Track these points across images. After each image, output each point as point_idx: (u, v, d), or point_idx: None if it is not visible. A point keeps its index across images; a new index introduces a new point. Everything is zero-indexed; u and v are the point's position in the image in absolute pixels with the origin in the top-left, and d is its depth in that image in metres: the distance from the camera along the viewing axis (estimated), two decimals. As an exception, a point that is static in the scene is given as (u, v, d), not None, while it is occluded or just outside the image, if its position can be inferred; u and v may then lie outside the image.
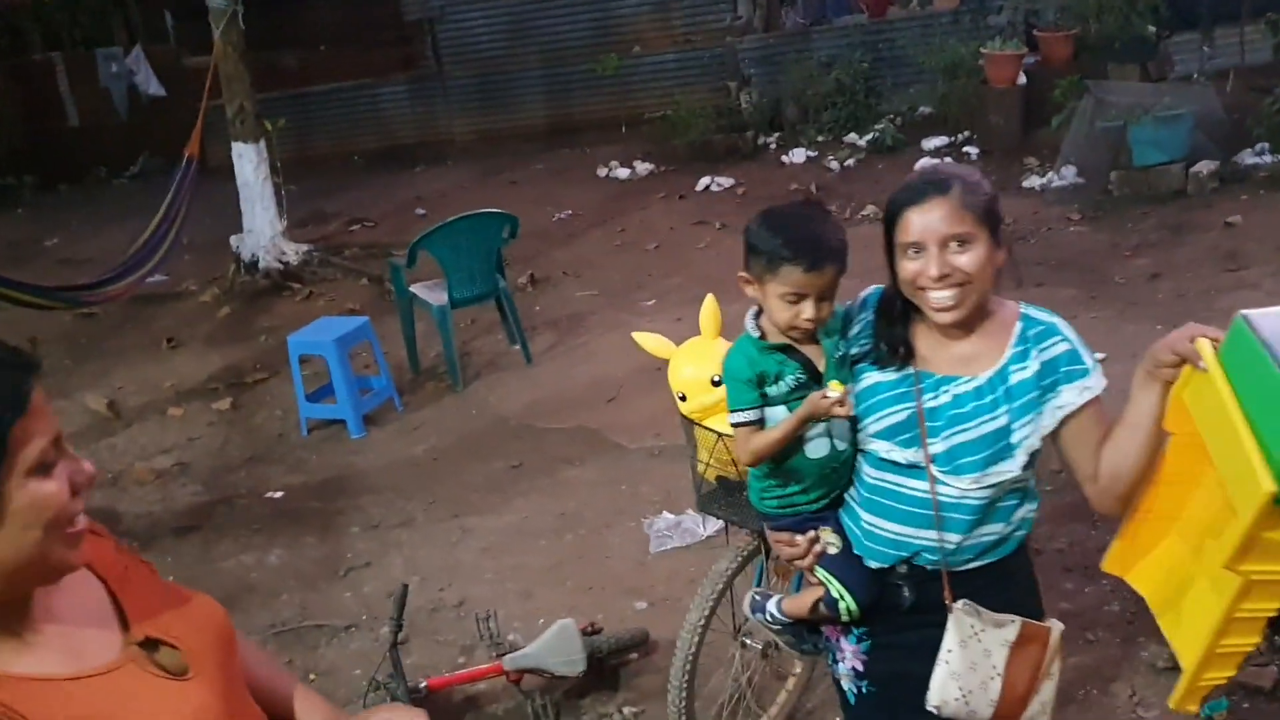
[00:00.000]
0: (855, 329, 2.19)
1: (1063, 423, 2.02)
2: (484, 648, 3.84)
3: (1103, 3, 9.40)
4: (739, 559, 3.06)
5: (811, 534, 2.23)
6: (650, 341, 3.06)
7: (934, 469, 2.03)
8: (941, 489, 2.04)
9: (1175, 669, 3.36)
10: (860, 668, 2.28)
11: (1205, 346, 1.79)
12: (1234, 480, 1.66)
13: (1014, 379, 2.02)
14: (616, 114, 11.57)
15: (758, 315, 2.17)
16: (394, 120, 12.61)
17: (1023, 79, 9.57)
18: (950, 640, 2.08)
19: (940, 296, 1.98)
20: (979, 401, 2.02)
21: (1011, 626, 2.10)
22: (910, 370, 2.08)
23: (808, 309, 2.06)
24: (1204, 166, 7.76)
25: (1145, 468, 1.95)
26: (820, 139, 10.25)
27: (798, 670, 3.44)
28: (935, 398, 2.05)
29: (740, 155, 10.35)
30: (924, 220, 1.97)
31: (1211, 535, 1.81)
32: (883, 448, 2.08)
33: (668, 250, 8.19)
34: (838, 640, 2.32)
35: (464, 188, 10.53)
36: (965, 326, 2.05)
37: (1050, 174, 8.51)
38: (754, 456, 2.12)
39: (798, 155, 10.00)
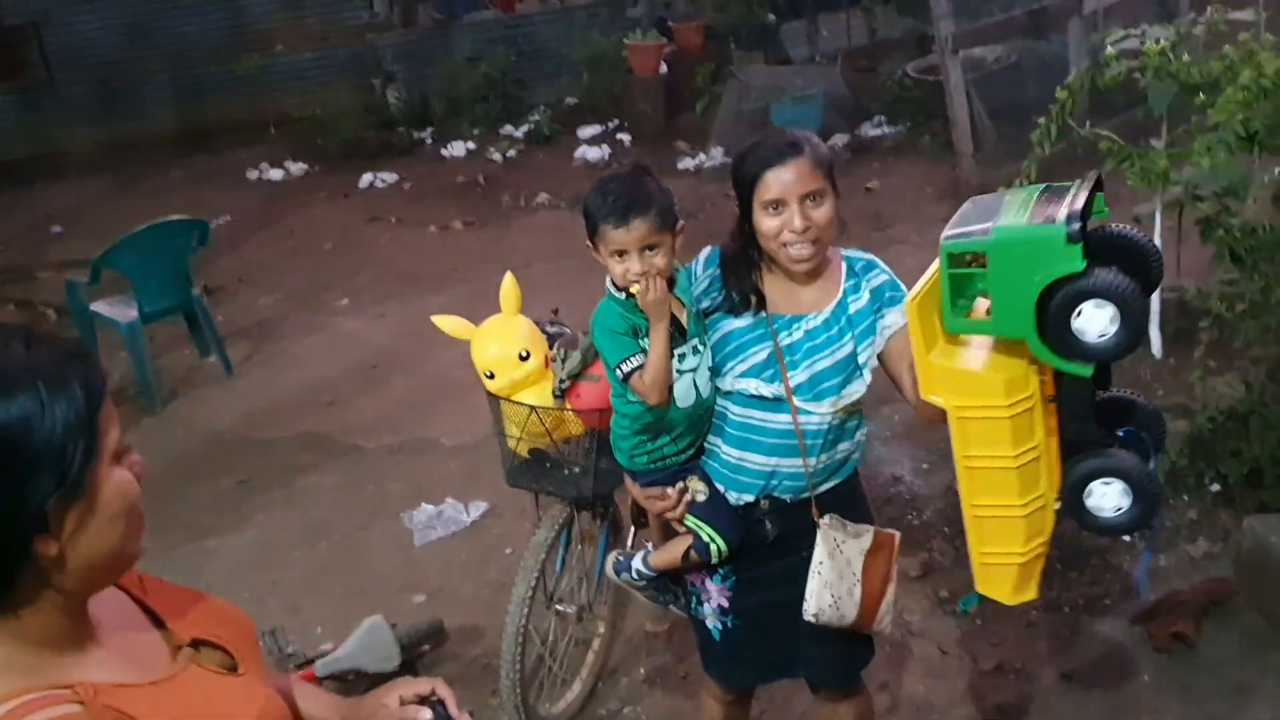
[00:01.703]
0: (702, 285, 2.34)
1: (888, 342, 2.26)
2: (272, 664, 3.67)
3: (726, -7, 10.13)
4: (555, 529, 3.13)
5: (680, 485, 2.36)
6: (449, 324, 3.05)
7: (796, 400, 2.23)
8: (803, 418, 2.24)
9: (925, 576, 3.81)
10: (726, 604, 2.45)
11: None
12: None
13: (852, 309, 2.26)
14: (259, 115, 11.03)
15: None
16: (1, 135, 11.37)
17: (663, 68, 10.09)
18: (820, 553, 2.29)
19: (800, 248, 2.18)
20: (829, 332, 2.24)
21: (867, 536, 2.34)
22: (763, 314, 2.26)
23: (634, 264, 2.19)
24: (838, 140, 8.58)
25: None
26: (476, 132, 10.33)
27: (601, 632, 3.56)
28: (790, 335, 2.25)
29: (397, 151, 10.24)
30: (783, 179, 2.16)
31: None
32: (750, 385, 2.24)
33: (346, 249, 7.99)
34: (702, 583, 2.47)
35: (99, 202, 9.72)
36: (810, 272, 2.25)
37: (701, 155, 9.05)
38: (660, 389, 2.22)
39: (457, 148, 10.03)
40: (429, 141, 10.50)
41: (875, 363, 2.28)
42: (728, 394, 2.30)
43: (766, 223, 2.19)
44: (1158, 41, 3.62)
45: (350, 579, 4.24)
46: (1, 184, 10.48)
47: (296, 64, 11.41)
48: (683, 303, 2.27)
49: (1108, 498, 1.89)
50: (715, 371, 2.29)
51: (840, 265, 2.32)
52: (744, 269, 2.28)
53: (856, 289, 2.29)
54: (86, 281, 5.59)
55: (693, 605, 2.52)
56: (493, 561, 4.18)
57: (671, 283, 2.28)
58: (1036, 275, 1.75)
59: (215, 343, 6.07)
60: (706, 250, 2.39)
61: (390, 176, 9.58)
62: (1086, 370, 1.83)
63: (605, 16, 11.05)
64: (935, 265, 1.89)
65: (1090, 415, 1.94)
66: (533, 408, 2.94)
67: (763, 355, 2.25)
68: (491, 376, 2.98)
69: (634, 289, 2.21)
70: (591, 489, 3.03)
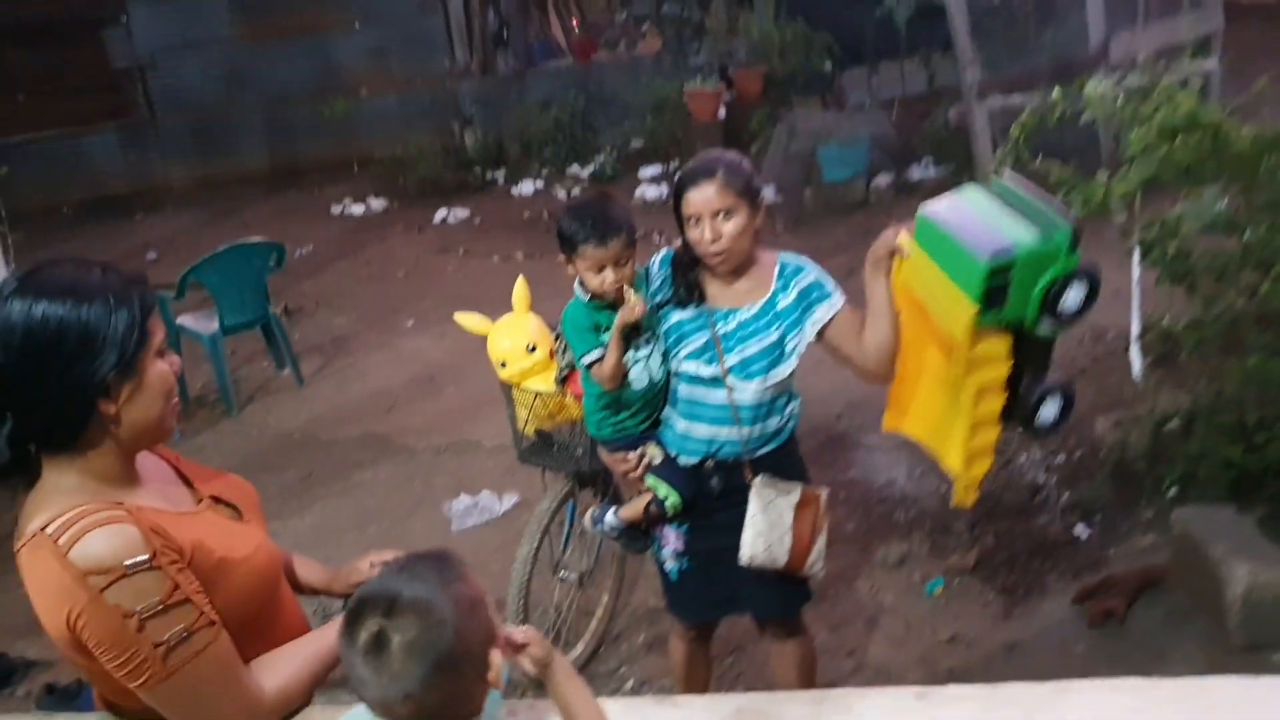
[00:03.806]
0: (656, 282, 2.82)
1: (823, 331, 2.71)
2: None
3: (785, 43, 10.64)
4: (557, 500, 3.61)
5: (640, 450, 2.85)
6: (470, 320, 3.56)
7: (730, 379, 2.69)
8: (737, 395, 2.70)
9: (902, 564, 4.20)
10: (682, 548, 2.90)
11: (905, 237, 2.53)
12: (951, 317, 2.37)
13: (781, 304, 2.71)
14: (345, 155, 11.84)
15: (583, 283, 2.77)
16: (105, 170, 12.29)
17: (722, 113, 10.63)
18: (754, 507, 2.73)
19: (715, 254, 2.65)
20: (758, 323, 2.70)
21: (795, 492, 2.77)
22: (704, 307, 2.74)
23: (610, 275, 2.70)
24: (882, 180, 9.03)
25: (895, 338, 2.62)
26: (545, 172, 10.96)
27: (605, 601, 4.02)
28: (726, 325, 2.71)
29: (471, 189, 10.92)
30: (697, 198, 2.64)
31: (945, 373, 2.51)
32: (692, 367, 2.72)
33: (417, 277, 8.63)
34: (662, 531, 2.93)
35: (193, 232, 10.52)
36: (739, 271, 2.73)
37: (754, 193, 9.53)
38: (613, 378, 2.71)
39: (526, 187, 10.67)
40: (501, 181, 11.17)
41: (803, 349, 2.73)
42: (676, 374, 2.77)
43: (689, 233, 2.67)
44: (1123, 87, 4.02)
45: (393, 558, 4.75)
46: (105, 214, 11.41)
47: (381, 108, 12.19)
48: (643, 299, 2.76)
49: (1052, 409, 2.47)
50: (665, 356, 2.77)
51: (774, 267, 2.78)
52: (688, 270, 2.76)
53: (785, 288, 2.74)
54: (173, 296, 6.24)
55: (656, 550, 2.98)
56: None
57: (636, 287, 2.77)
58: (1052, 270, 2.26)
59: (289, 356, 6.69)
60: (662, 252, 2.86)
61: (463, 212, 10.25)
62: (1059, 332, 2.37)
63: (669, 64, 11.64)
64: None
65: (1031, 358, 2.47)
66: (537, 393, 3.43)
67: (702, 342, 2.72)
68: (504, 366, 3.48)
69: (609, 295, 2.71)
70: (589, 465, 3.51)
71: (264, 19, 12.10)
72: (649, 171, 10.62)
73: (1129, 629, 3.53)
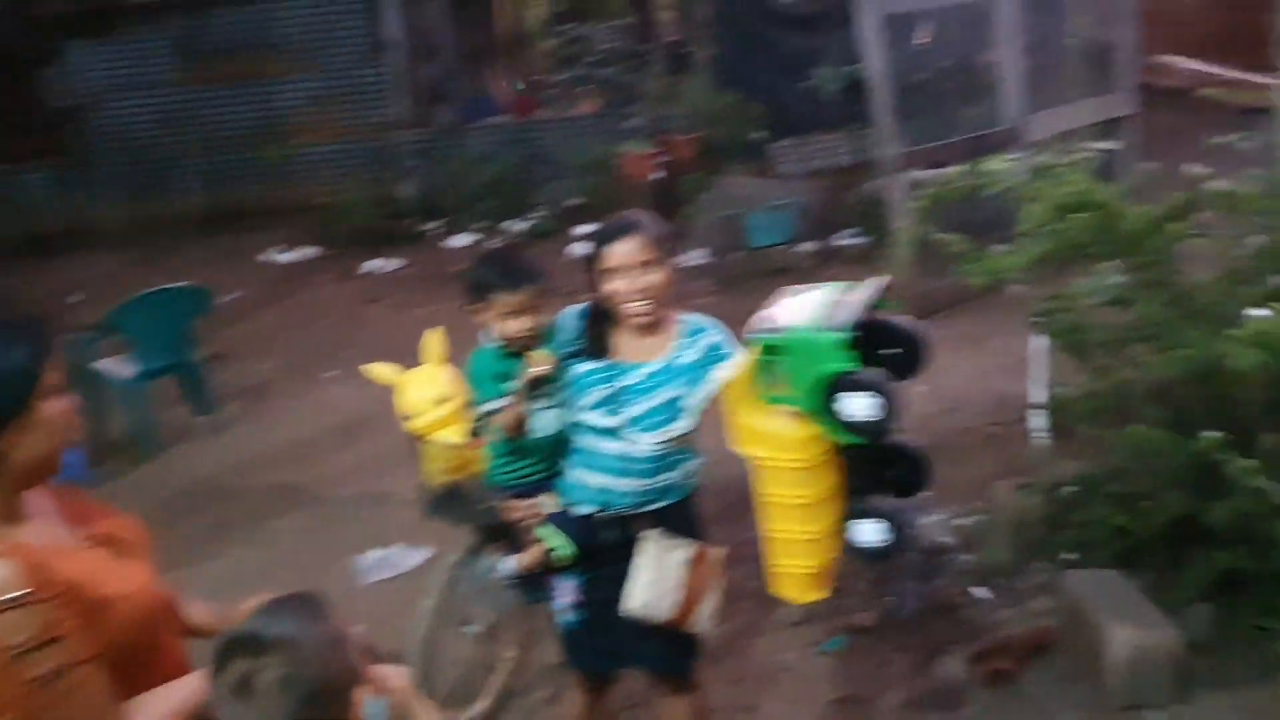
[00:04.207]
0: (565, 335, 2.89)
1: (720, 391, 2.79)
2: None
3: (718, 112, 10.90)
4: (464, 553, 3.63)
5: (538, 499, 2.90)
6: (378, 370, 3.59)
7: (629, 431, 2.76)
8: (634, 447, 2.77)
9: (803, 623, 4.28)
10: (576, 599, 2.95)
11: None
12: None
13: (683, 362, 2.80)
14: (279, 201, 11.83)
15: (492, 332, 2.84)
16: (37, 208, 12.18)
17: (656, 176, 10.82)
18: (644, 559, 2.79)
19: (637, 306, 2.73)
20: (659, 379, 2.78)
21: (688, 549, 2.84)
22: (609, 360, 2.81)
23: (521, 321, 2.78)
24: (807, 247, 9.25)
25: None
26: (481, 225, 11.04)
27: (510, 655, 4.03)
28: (627, 379, 2.79)
29: (404, 240, 10.95)
30: (622, 251, 2.72)
31: None
32: (594, 418, 2.79)
33: (343, 327, 8.64)
34: (558, 582, 2.98)
35: (121, 274, 10.40)
36: (648, 328, 2.80)
37: (683, 255, 9.70)
38: (514, 428, 2.78)
39: (459, 240, 10.74)
40: (435, 233, 11.23)
41: (701, 406, 2.81)
42: (577, 425, 2.84)
43: (609, 286, 2.75)
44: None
45: (301, 608, 4.72)
46: (34, 254, 11.26)
47: (318, 156, 12.23)
48: (553, 355, 2.84)
49: (870, 532, 2.40)
50: (568, 406, 2.84)
51: (679, 325, 2.87)
52: (598, 323, 2.84)
53: (689, 345, 2.84)
54: (95, 339, 6.18)
55: (551, 601, 3.03)
56: (430, 599, 4.65)
57: (545, 338, 2.85)
58: (820, 367, 2.26)
59: (209, 402, 6.65)
60: (569, 309, 2.94)
61: (394, 263, 10.29)
62: (857, 440, 2.31)
63: (606, 125, 11.83)
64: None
65: (863, 472, 2.44)
66: (445, 446, 3.46)
67: (605, 393, 2.80)
68: (411, 418, 3.51)
69: (518, 343, 2.78)
70: (497, 518, 3.54)
71: (205, 64, 12.13)
72: (584, 229, 10.72)
73: (1019, 690, 3.62)
